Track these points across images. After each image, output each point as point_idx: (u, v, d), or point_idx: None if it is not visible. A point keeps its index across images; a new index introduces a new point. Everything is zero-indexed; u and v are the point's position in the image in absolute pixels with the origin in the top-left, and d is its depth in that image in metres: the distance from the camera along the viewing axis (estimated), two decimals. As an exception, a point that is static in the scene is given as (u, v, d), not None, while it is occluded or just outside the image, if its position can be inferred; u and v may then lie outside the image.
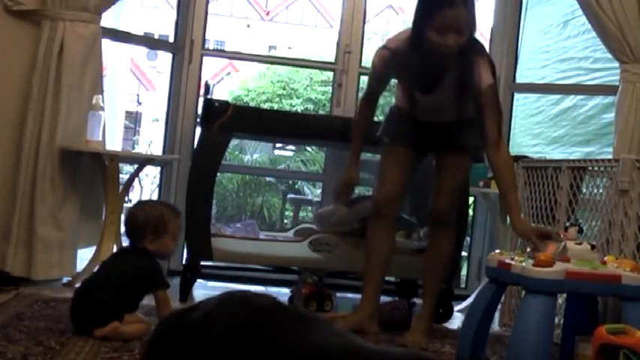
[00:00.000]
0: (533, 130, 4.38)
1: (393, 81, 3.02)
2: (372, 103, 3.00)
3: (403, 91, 2.96)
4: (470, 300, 3.53)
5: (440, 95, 2.82)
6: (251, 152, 9.64)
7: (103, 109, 3.39)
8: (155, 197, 5.83)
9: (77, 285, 3.50)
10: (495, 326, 3.13)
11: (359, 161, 3.02)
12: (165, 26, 10.59)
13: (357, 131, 3.00)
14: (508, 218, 2.68)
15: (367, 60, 3.52)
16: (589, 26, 3.77)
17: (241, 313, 1.43)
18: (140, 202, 2.70)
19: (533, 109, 4.41)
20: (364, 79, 3.76)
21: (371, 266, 2.99)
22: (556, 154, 4.16)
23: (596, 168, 2.94)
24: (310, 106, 10.11)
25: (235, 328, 1.39)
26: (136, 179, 5.49)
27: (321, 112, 9.71)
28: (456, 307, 3.52)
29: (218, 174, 3.49)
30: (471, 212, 4.15)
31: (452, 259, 3.09)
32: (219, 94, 11.11)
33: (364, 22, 4.29)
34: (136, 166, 3.72)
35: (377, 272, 2.99)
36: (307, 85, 10.39)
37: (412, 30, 2.74)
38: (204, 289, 3.60)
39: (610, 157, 3.45)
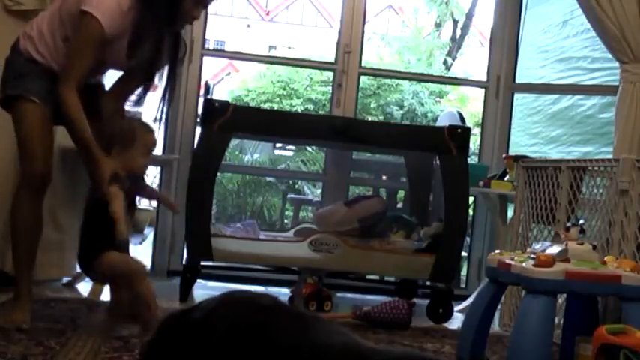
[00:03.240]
0: (531, 130, 4.38)
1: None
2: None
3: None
4: (470, 300, 3.53)
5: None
6: (251, 152, 9.62)
7: (103, 109, 3.39)
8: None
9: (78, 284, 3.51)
10: (495, 326, 3.13)
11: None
12: (165, 26, 10.53)
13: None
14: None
15: (367, 60, 3.51)
16: (588, 26, 3.77)
17: (242, 312, 1.43)
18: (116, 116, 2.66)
19: (531, 109, 4.41)
20: (364, 79, 3.75)
21: (26, 245, 2.65)
22: (554, 153, 4.15)
23: (595, 168, 2.94)
24: (310, 106, 10.08)
25: (236, 328, 1.39)
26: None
27: (321, 112, 9.68)
28: (456, 307, 3.53)
29: (218, 174, 3.49)
30: (471, 212, 4.15)
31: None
32: (219, 94, 11.10)
33: (364, 22, 4.29)
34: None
35: (32, 252, 2.67)
36: (307, 85, 10.37)
37: None
38: (204, 289, 3.60)
39: (609, 156, 3.45)
